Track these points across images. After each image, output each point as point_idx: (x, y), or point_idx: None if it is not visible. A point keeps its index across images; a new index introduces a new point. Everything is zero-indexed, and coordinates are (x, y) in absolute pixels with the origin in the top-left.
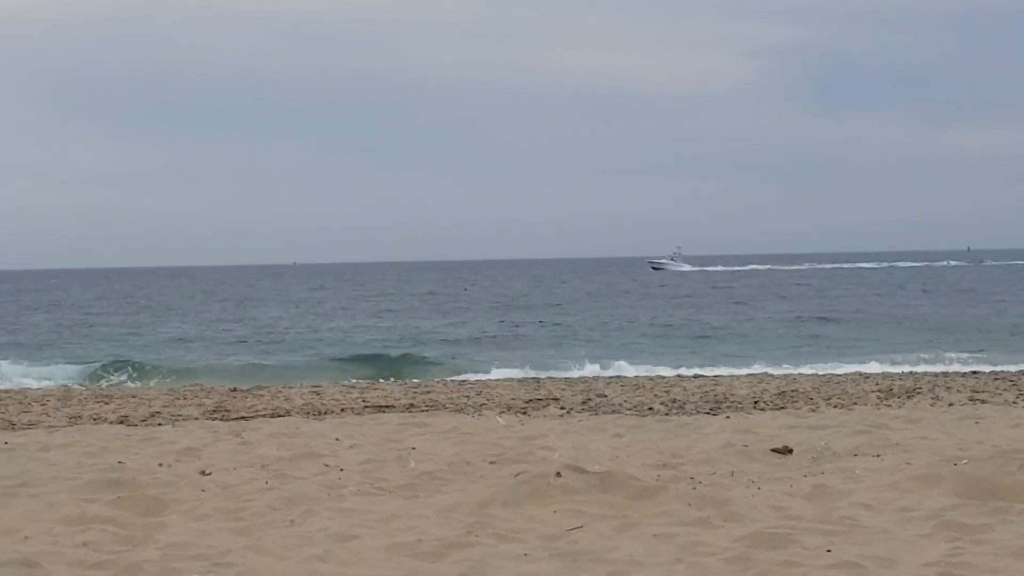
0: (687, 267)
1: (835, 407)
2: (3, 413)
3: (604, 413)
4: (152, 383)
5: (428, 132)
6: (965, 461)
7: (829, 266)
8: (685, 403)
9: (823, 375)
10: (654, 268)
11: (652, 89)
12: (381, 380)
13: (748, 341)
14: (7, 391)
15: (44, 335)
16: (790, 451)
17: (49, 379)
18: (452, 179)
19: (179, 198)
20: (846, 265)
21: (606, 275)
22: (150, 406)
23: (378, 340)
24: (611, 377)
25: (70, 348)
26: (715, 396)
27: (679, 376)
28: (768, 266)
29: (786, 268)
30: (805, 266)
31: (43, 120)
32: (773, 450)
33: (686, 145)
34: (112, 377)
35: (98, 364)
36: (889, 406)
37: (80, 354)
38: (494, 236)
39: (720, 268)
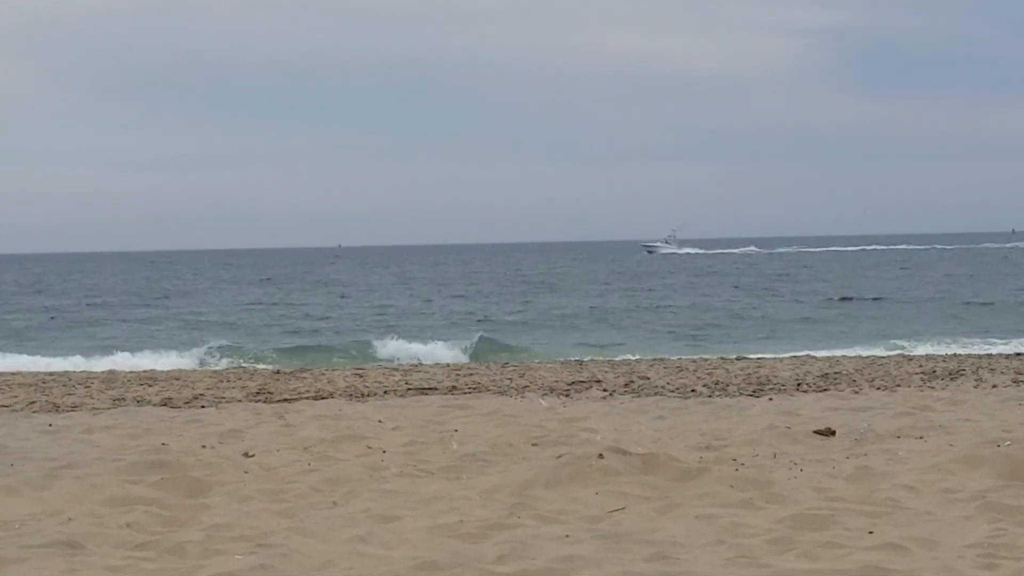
0: (688, 250)
1: (878, 389)
2: (48, 395)
3: (646, 395)
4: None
5: (475, 112)
6: (1008, 443)
7: (872, 248)
8: (728, 385)
9: (866, 357)
10: (648, 251)
11: (699, 70)
12: (426, 363)
13: (783, 324)
14: (51, 374)
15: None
16: (833, 433)
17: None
18: (499, 161)
19: (227, 181)
20: (883, 247)
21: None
22: (193, 388)
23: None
24: (653, 359)
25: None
26: (758, 378)
27: (721, 358)
28: (795, 248)
29: (813, 250)
30: (825, 248)
31: (91, 106)
32: (816, 432)
33: (733, 126)
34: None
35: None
36: (932, 388)
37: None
38: (543, 217)
39: (719, 251)
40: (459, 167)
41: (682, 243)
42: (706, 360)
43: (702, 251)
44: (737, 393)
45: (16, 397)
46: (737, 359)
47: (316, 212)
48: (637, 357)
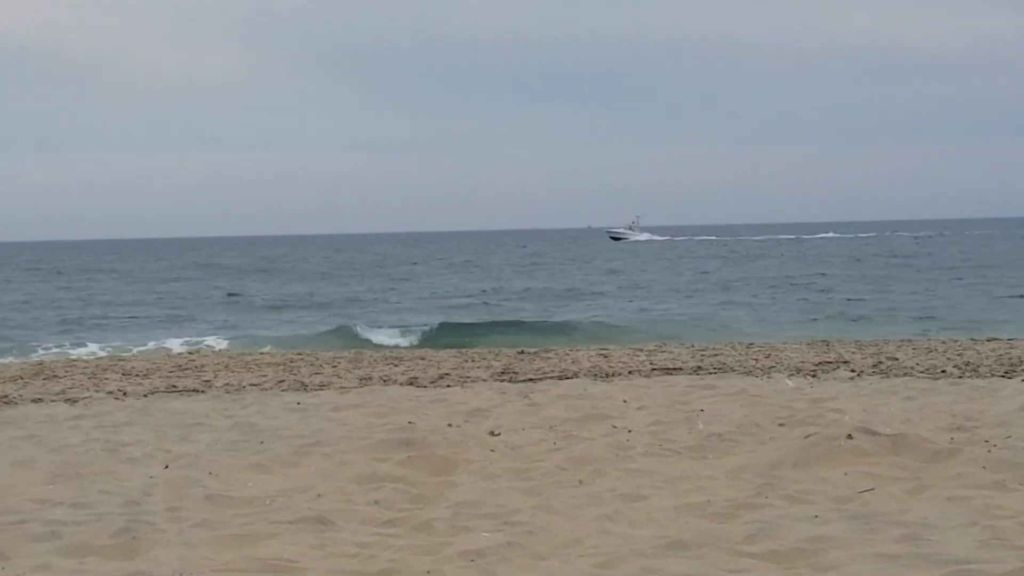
0: (646, 236)
1: None
2: (296, 375)
3: (895, 376)
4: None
5: (697, 94)
6: None
7: None
8: (979, 366)
9: None
10: (613, 239)
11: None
12: (668, 343)
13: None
14: (299, 353)
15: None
16: None
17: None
18: (718, 141)
19: (469, 163)
20: None
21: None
22: (439, 368)
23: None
24: (902, 340)
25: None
26: (1010, 359)
27: (971, 339)
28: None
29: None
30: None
31: (341, 91)
32: None
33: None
34: None
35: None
36: None
37: None
38: (758, 199)
39: (684, 238)
40: (698, 147)
41: (643, 230)
42: (955, 341)
43: (661, 238)
44: (988, 374)
45: (265, 376)
46: (988, 340)
47: (561, 193)
48: (884, 339)
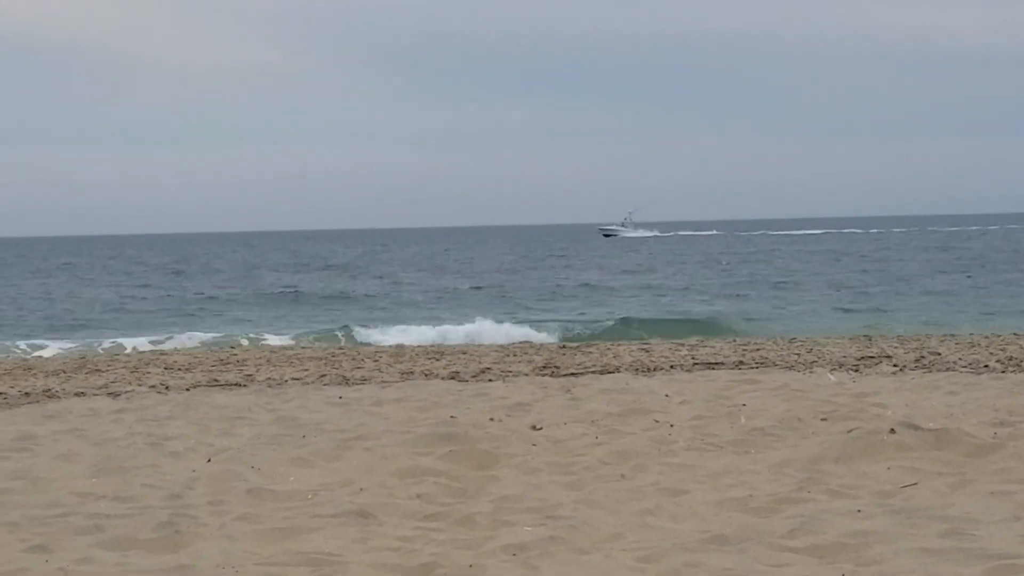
0: (642, 232)
1: None
2: (337, 369)
3: (938, 371)
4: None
5: (752, 88)
6: None
7: None
8: (1022, 360)
9: None
10: (605, 235)
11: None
12: (709, 338)
13: None
14: (341, 348)
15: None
16: None
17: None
18: (762, 136)
19: (512, 158)
20: None
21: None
22: (480, 362)
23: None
24: (944, 335)
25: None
26: None
27: (1015, 334)
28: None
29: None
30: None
31: (383, 83)
32: None
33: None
34: None
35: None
36: None
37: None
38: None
39: (673, 233)
40: (737, 141)
41: (637, 226)
42: (998, 336)
43: (659, 234)
44: None
45: (307, 370)
46: None
47: (605, 187)
48: (927, 333)
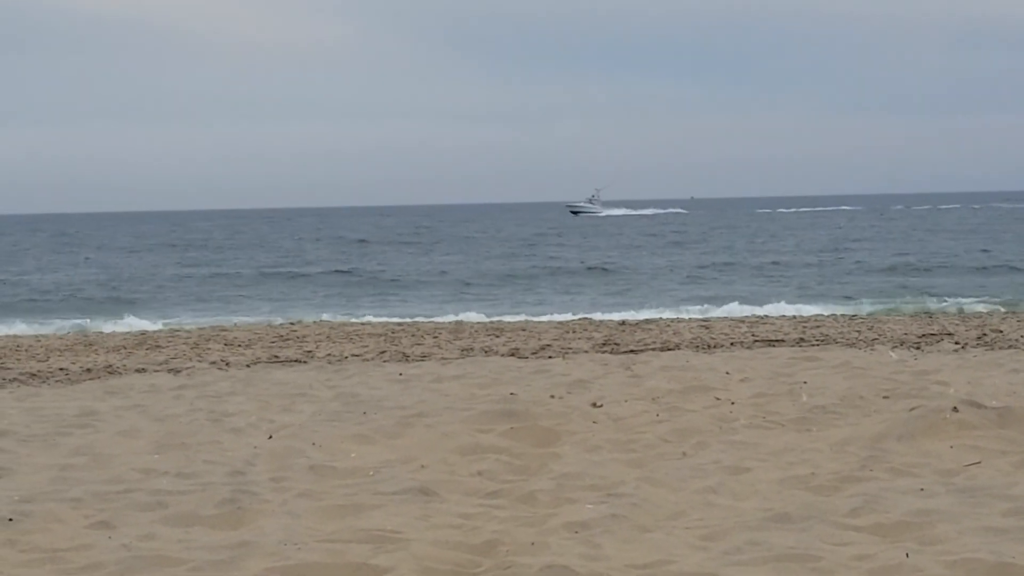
0: (608, 211)
1: None
2: (397, 345)
3: (1000, 348)
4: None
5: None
6: None
7: None
8: None
9: None
10: (573, 213)
11: None
12: (770, 316)
13: None
14: (400, 324)
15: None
16: None
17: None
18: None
19: (561, 134)
20: None
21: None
22: (540, 339)
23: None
24: (1006, 312)
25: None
26: None
27: None
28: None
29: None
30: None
31: (438, 58)
32: None
33: None
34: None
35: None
36: None
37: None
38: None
39: (646, 211)
40: (782, 118)
41: (605, 204)
42: None
43: (629, 212)
44: None
45: (367, 347)
46: None
47: (662, 165)
48: (989, 310)
